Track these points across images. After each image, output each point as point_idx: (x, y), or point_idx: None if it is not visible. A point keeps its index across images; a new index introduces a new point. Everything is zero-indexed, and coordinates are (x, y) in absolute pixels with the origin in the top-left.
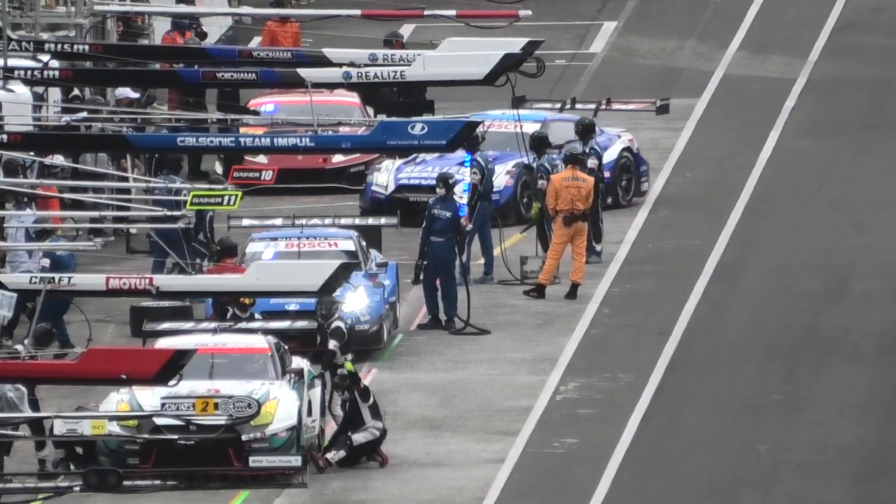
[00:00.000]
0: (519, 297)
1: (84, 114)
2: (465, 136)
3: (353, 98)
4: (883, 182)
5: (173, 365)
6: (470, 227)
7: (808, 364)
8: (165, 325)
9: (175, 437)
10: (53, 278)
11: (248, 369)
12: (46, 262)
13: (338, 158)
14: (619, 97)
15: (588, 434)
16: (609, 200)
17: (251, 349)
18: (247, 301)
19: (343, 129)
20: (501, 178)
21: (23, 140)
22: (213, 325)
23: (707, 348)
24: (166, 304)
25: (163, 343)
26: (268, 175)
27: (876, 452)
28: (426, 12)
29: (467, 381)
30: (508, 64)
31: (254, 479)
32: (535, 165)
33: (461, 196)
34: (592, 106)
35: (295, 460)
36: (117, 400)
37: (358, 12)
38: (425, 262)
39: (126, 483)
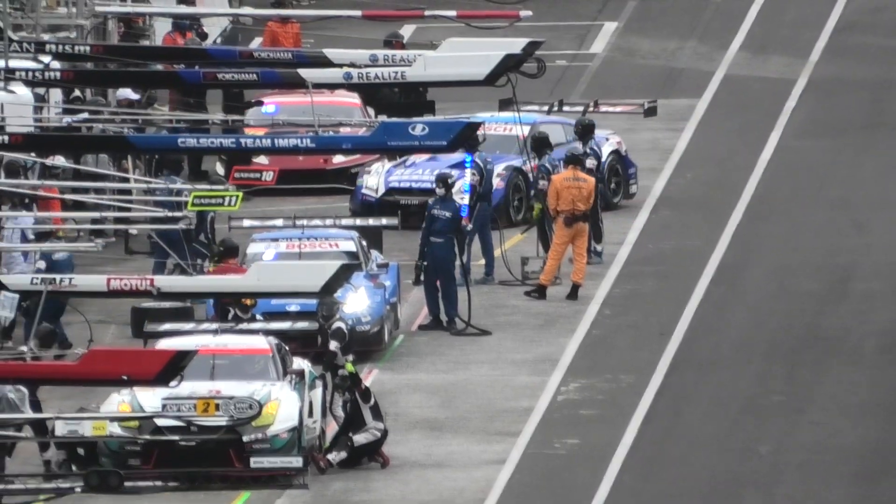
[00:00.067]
0: (520, 298)
1: (85, 115)
2: (466, 137)
3: (354, 99)
4: (884, 182)
5: (174, 366)
6: (470, 227)
7: (809, 364)
8: (166, 326)
9: (176, 437)
10: (54, 279)
11: (249, 370)
12: (42, 264)
13: (338, 159)
14: (621, 98)
15: (589, 435)
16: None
17: (252, 350)
18: (248, 302)
19: (344, 130)
20: (493, 181)
21: (24, 141)
22: (214, 326)
23: (708, 349)
24: (167, 305)
25: (164, 344)
26: (268, 176)
27: (877, 453)
28: (427, 13)
29: (468, 381)
30: (509, 64)
31: (255, 480)
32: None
33: (462, 197)
34: (580, 108)
35: (296, 461)
36: (118, 401)
37: (358, 13)
38: (425, 263)
39: (127, 484)
